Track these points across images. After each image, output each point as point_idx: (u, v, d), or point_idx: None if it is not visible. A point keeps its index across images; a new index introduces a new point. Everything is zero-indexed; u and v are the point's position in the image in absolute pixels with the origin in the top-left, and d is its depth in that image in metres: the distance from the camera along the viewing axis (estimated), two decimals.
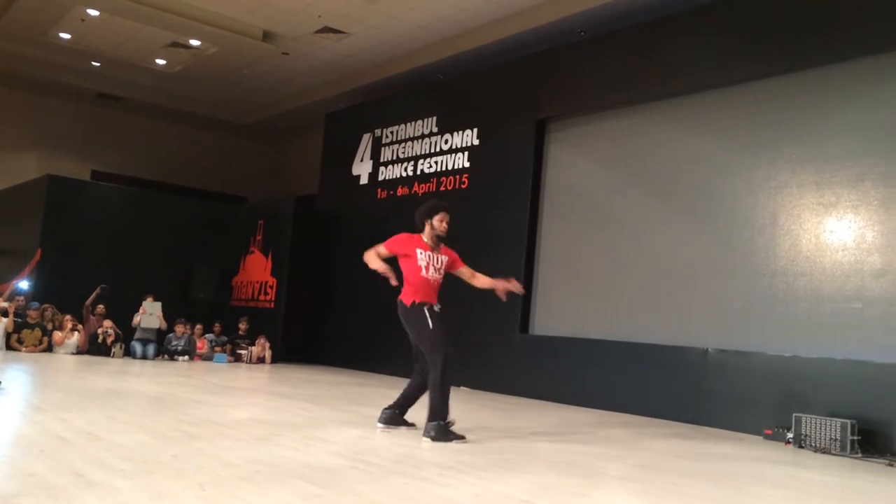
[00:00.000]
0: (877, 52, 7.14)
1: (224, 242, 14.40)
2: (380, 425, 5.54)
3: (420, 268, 5.42)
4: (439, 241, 5.56)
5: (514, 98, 10.57)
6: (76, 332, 11.38)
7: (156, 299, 11.90)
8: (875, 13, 7.11)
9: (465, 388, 9.76)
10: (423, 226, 5.55)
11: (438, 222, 5.51)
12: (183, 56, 13.06)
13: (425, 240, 5.53)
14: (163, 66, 13.61)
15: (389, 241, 5.51)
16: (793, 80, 7.76)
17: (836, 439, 6.23)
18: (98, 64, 13.76)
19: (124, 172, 15.89)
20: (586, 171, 9.70)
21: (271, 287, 13.38)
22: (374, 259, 5.40)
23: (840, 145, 7.28)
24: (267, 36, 11.94)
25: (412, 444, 5.07)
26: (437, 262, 5.49)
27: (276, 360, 12.48)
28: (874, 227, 6.96)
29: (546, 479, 4.13)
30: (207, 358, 12.11)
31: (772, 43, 7.83)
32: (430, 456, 4.63)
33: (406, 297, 5.43)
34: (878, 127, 7.06)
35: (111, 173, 15.75)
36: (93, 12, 11.47)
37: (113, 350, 11.41)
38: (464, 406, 7.23)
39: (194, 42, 12.37)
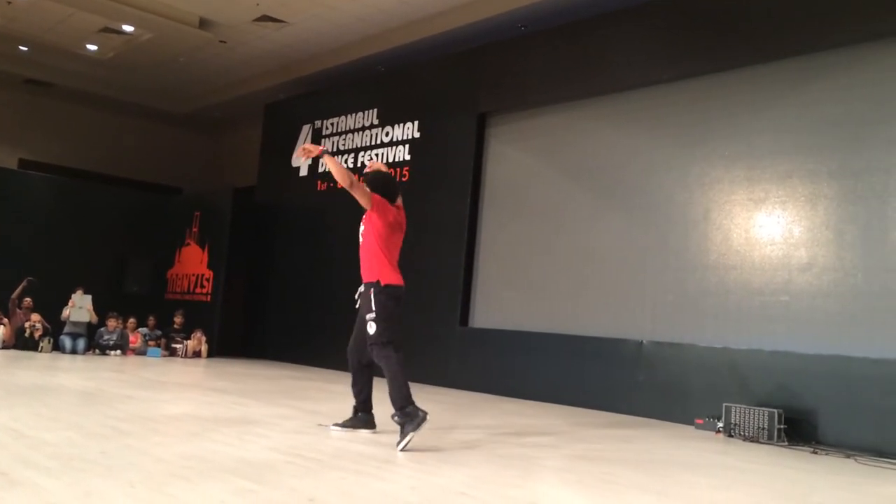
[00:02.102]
0: (804, 52, 7.38)
1: (158, 234, 14.09)
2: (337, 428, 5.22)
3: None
4: None
5: (455, 92, 10.58)
6: (1, 326, 10.98)
7: (86, 292, 11.58)
8: (803, 16, 7.34)
9: None
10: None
11: None
12: (115, 42, 12.67)
13: None
14: (94, 52, 13.18)
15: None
16: (725, 78, 7.96)
17: (763, 428, 6.43)
18: (26, 49, 13.26)
19: (54, 161, 15.34)
20: (526, 166, 9.78)
21: (208, 280, 13.14)
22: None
23: (769, 143, 7.50)
24: (204, 23, 11.67)
25: (350, 438, 5.04)
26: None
27: (212, 354, 12.27)
28: (801, 222, 7.20)
29: (483, 471, 4.16)
30: (141, 352, 11.82)
31: (706, 42, 8.01)
32: (368, 450, 4.61)
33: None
34: (806, 126, 7.30)
35: (40, 162, 15.19)
36: None
37: (41, 344, 11.06)
38: None
39: (127, 28, 12.00)
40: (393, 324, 4.89)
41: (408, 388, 4.69)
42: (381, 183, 5.22)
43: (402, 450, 4.55)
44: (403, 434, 4.57)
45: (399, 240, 5.16)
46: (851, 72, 7.10)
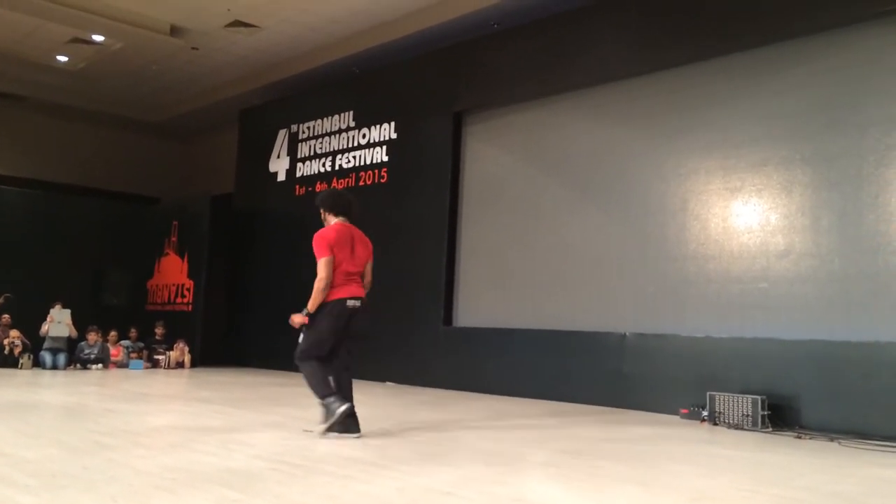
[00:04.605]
0: (776, 41, 7.43)
1: (137, 245, 13.96)
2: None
3: None
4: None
5: (431, 91, 10.57)
6: None
7: (64, 306, 11.45)
8: (773, 5, 7.39)
9: (390, 384, 9.74)
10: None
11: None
12: (86, 52, 12.55)
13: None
14: (65, 63, 13.05)
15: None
16: (699, 69, 8.00)
17: (748, 415, 6.48)
18: None
19: (28, 175, 15.15)
20: (504, 163, 9.78)
21: (188, 289, 13.04)
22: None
23: (744, 132, 7.55)
24: (175, 30, 11.58)
25: (336, 443, 5.02)
26: None
27: (195, 364, 12.18)
28: (777, 209, 7.26)
29: (468, 470, 4.15)
30: (123, 365, 11.71)
31: (679, 33, 8.05)
32: (354, 453, 4.59)
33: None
34: (779, 114, 7.35)
35: (13, 176, 14.99)
36: None
37: (21, 361, 10.92)
38: (388, 401, 7.20)
39: (97, 38, 11.88)
40: (324, 337, 5.19)
41: (321, 382, 5.06)
42: (330, 200, 5.43)
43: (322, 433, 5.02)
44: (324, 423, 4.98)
45: (346, 253, 5.26)
46: (823, 58, 7.15)
